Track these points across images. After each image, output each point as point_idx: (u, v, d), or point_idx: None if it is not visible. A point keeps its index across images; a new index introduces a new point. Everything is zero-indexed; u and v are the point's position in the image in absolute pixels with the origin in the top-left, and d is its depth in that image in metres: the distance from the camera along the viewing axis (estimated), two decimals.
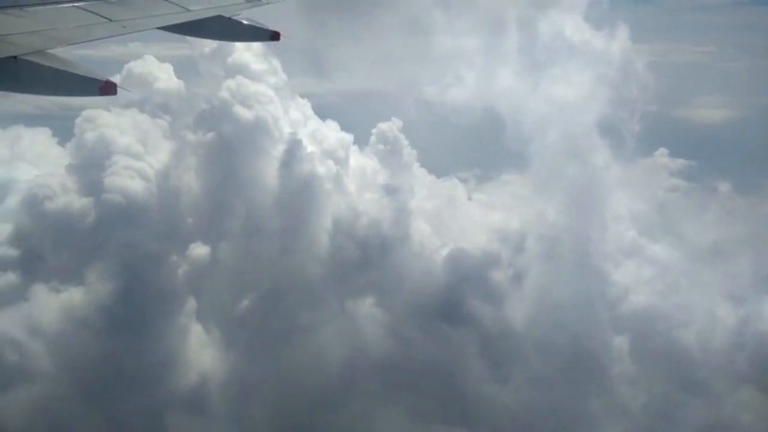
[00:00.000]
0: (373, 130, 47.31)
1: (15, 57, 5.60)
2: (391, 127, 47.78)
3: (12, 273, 31.70)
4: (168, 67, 45.16)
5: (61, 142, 48.28)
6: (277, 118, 42.78)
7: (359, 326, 36.63)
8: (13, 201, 36.22)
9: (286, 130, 42.74)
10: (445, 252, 37.76)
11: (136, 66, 43.91)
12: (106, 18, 6.92)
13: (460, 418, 34.08)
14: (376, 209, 39.75)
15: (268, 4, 9.57)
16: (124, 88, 5.95)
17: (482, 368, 33.19)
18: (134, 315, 31.22)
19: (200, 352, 32.95)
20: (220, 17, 8.31)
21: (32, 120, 48.10)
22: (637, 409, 31.92)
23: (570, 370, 32.66)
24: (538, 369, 32.62)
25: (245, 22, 8.70)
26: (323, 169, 41.13)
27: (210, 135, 40.57)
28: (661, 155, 55.25)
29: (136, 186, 35.66)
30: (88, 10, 6.96)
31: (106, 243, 33.19)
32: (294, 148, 40.77)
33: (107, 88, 5.81)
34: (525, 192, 51.54)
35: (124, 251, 32.85)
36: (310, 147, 41.71)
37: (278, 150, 40.89)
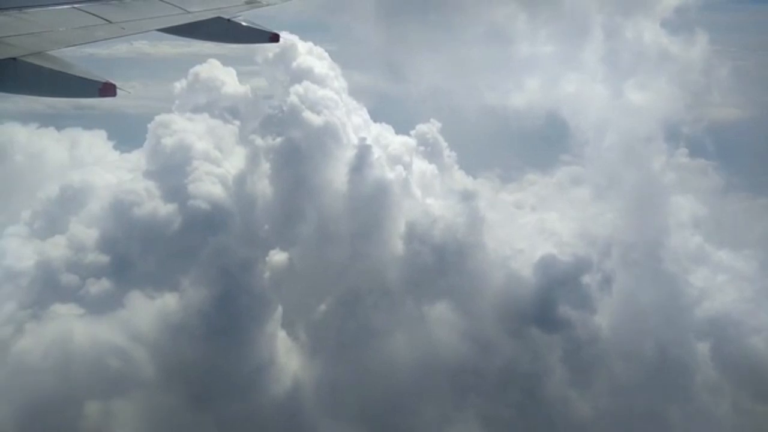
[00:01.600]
0: (412, 132, 47.52)
1: (14, 59, 5.57)
2: (430, 128, 48.07)
3: (106, 280, 31.77)
4: (231, 71, 45.29)
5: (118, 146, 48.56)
6: (344, 124, 43.01)
7: (434, 330, 36.97)
8: (94, 206, 36.30)
9: (353, 134, 43.01)
10: (519, 255, 38.13)
11: (202, 70, 44.05)
12: (105, 20, 6.89)
13: (537, 423, 34.50)
14: (447, 212, 40.04)
15: (267, 6, 9.60)
16: (123, 89, 5.91)
17: (562, 374, 33.54)
18: (225, 321, 31.51)
19: (287, 357, 33.24)
20: (219, 19, 8.31)
21: (44, 119, 47.84)
22: (717, 417, 32.33)
23: (650, 375, 33.04)
24: (618, 375, 32.99)
25: (244, 23, 8.69)
26: (393, 174, 41.37)
27: (279, 140, 40.71)
28: (682, 155, 55.39)
29: (218, 192, 35.82)
30: (87, 12, 6.92)
31: (195, 249, 33.40)
32: (364, 153, 40.97)
33: (106, 90, 5.76)
34: (557, 193, 52.01)
35: (212, 258, 33.10)
36: (377, 151, 41.98)
37: (348, 155, 41.09)
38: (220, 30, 8.42)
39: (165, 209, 34.44)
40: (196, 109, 42.05)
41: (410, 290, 37.19)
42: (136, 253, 33.23)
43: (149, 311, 30.98)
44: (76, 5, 6.99)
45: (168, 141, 37.88)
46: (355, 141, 41.74)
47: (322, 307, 36.28)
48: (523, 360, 34.23)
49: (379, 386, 35.08)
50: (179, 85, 44.06)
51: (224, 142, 39.51)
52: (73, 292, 31.51)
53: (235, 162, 39.01)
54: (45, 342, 29.16)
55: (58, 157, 46.48)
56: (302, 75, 43.81)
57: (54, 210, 38.09)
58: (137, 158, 45.38)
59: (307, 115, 41.39)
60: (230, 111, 42.38)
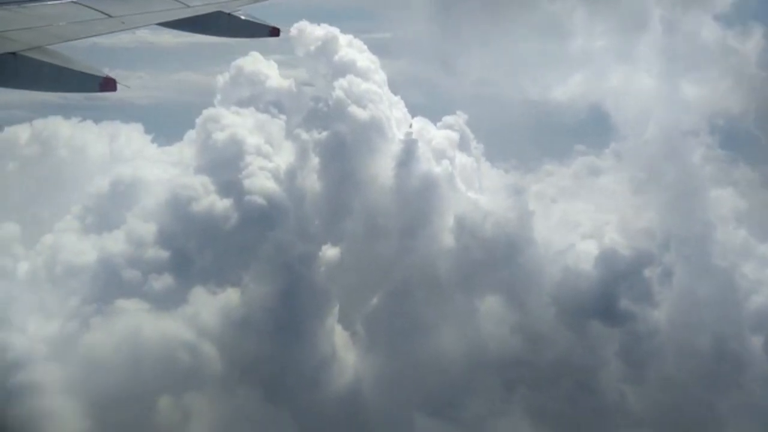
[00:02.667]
0: (438, 123, 47.49)
1: (14, 53, 5.53)
2: (456, 120, 48.08)
3: (167, 275, 32.02)
4: (273, 65, 45.29)
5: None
6: (389, 118, 43.08)
7: (485, 323, 37.28)
8: (148, 201, 36.47)
9: (396, 129, 43.10)
10: (570, 248, 38.36)
11: (245, 63, 44.06)
12: (105, 14, 6.88)
13: (589, 417, 34.83)
14: (493, 205, 40.23)
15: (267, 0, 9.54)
16: (123, 84, 5.87)
17: (617, 367, 33.87)
18: (286, 316, 31.85)
19: (344, 351, 33.60)
20: (219, 13, 8.31)
21: (54, 110, 47.65)
22: None
23: (704, 369, 33.35)
24: (673, 368, 33.30)
25: (244, 18, 8.67)
26: (439, 168, 41.50)
27: (325, 134, 40.79)
28: (725, 149, 55.34)
29: (272, 187, 35.97)
30: (87, 6, 6.89)
31: (253, 245, 33.64)
32: (411, 147, 41.06)
33: (107, 85, 5.75)
34: (594, 185, 52.17)
35: (271, 253, 33.37)
36: (422, 145, 42.07)
37: (395, 150, 41.20)
38: (221, 24, 8.41)
39: (221, 204, 34.63)
40: (241, 103, 42.14)
41: (461, 284, 37.49)
42: (195, 249, 33.47)
43: (213, 307, 31.26)
44: None
45: (219, 136, 37.99)
46: (400, 135, 41.89)
47: (374, 301, 36.60)
48: (577, 353, 34.58)
49: (431, 379, 35.48)
50: (222, 79, 44.14)
51: (273, 136, 39.63)
52: (136, 287, 31.76)
53: (284, 156, 39.16)
54: (114, 337, 29.48)
55: (100, 151, 46.54)
56: (345, 68, 43.79)
57: (105, 205, 38.26)
58: (179, 152, 45.64)
59: (353, 109, 41.46)
60: (276, 105, 42.48)
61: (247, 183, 35.45)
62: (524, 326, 36.39)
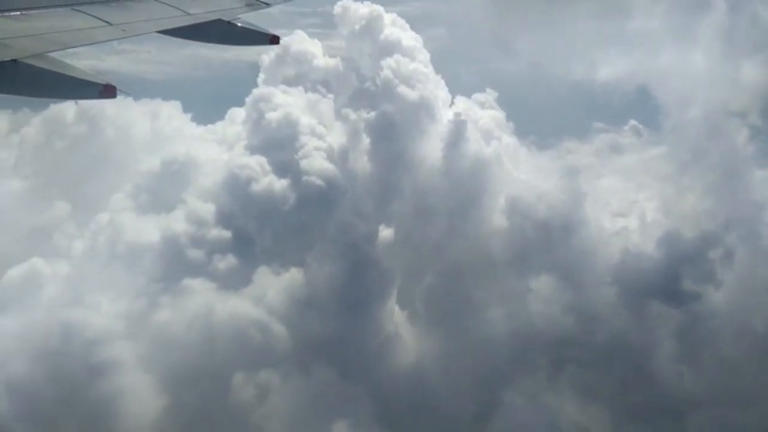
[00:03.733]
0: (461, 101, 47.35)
1: (15, 60, 5.59)
2: (487, 98, 48.08)
3: (231, 255, 32.49)
4: (317, 43, 45.20)
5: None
6: (436, 97, 43.13)
7: (538, 303, 37.79)
8: (205, 181, 36.80)
9: (444, 108, 43.21)
10: (616, 227, 38.77)
11: (292, 42, 43.99)
12: (105, 22, 6.92)
13: (641, 395, 35.41)
14: (544, 185, 40.48)
15: (267, 7, 9.61)
16: (123, 91, 5.88)
17: (672, 347, 34.40)
18: (349, 296, 32.33)
19: (403, 329, 34.18)
20: (219, 21, 8.34)
21: None
22: None
23: (760, 351, 33.79)
24: (729, 350, 33.77)
25: (244, 26, 8.68)
26: (488, 148, 41.68)
27: (373, 114, 40.89)
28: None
29: (329, 168, 36.24)
30: (88, 14, 6.93)
31: (313, 225, 34.03)
32: (460, 127, 41.17)
33: (107, 92, 5.76)
34: (639, 165, 52.39)
35: (330, 233, 33.78)
36: (471, 126, 42.17)
37: (443, 130, 41.34)
38: (221, 32, 8.42)
39: (279, 185, 34.94)
40: (288, 82, 42.22)
41: (513, 264, 37.92)
42: (256, 229, 33.89)
43: (278, 287, 31.77)
44: (76, 7, 6.97)
45: (272, 115, 38.13)
46: (447, 115, 42.01)
47: (428, 281, 37.09)
48: (631, 333, 35.09)
49: (483, 357, 36.08)
50: (267, 58, 44.08)
51: (324, 116, 39.77)
52: (201, 267, 32.27)
53: (335, 137, 39.34)
54: (184, 315, 30.07)
55: (143, 129, 46.77)
56: (391, 47, 43.74)
57: (158, 184, 38.60)
58: (222, 130, 45.87)
59: (402, 89, 41.48)
60: (323, 84, 42.54)
61: (304, 164, 35.73)
62: (577, 306, 36.90)
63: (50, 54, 5.90)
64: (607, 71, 45.87)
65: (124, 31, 6.98)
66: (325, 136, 38.47)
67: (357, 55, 45.09)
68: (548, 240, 38.11)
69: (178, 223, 34.32)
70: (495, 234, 38.58)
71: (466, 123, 41.52)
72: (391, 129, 40.16)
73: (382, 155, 39.48)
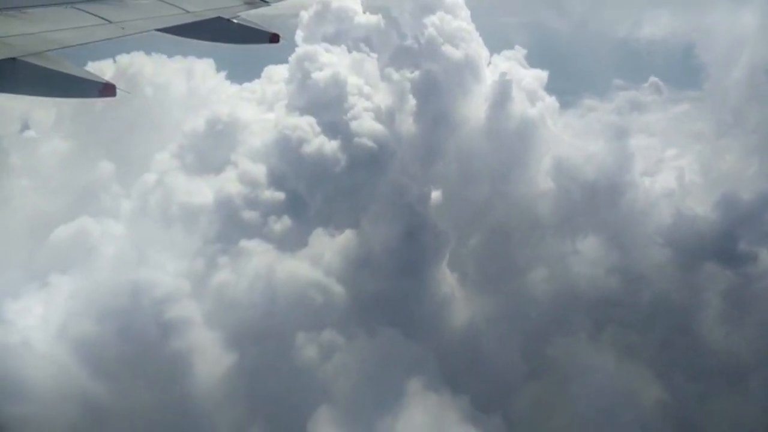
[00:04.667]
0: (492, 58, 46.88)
1: (14, 58, 5.61)
2: (515, 54, 47.54)
3: (286, 217, 32.88)
4: (356, 0, 44.46)
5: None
6: (481, 57, 42.71)
7: (582, 264, 38.33)
8: (254, 141, 36.90)
9: (487, 67, 42.81)
10: (661, 187, 38.94)
11: None
12: (105, 19, 6.94)
13: (682, 356, 36.20)
14: (589, 146, 40.52)
15: (266, 5, 9.58)
16: (123, 89, 5.91)
17: (719, 309, 35.00)
18: (403, 257, 32.86)
19: (454, 290, 34.86)
20: (218, 19, 8.32)
21: None
22: None
23: None
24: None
25: (244, 23, 8.65)
26: (533, 108, 41.51)
27: (417, 73, 40.58)
28: None
29: (379, 129, 36.23)
30: (87, 12, 6.93)
31: (365, 187, 34.30)
32: (505, 87, 40.93)
33: (106, 90, 5.79)
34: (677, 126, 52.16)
35: (384, 195, 34.02)
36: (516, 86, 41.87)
37: (488, 90, 41.11)
38: (220, 30, 8.38)
39: (330, 146, 35.02)
40: (329, 40, 41.73)
41: (558, 225, 38.32)
42: (309, 191, 34.16)
43: (334, 248, 32.28)
44: (75, 5, 6.95)
45: (319, 75, 37.87)
46: (494, 75, 41.65)
47: (476, 242, 37.60)
48: (677, 294, 35.70)
49: (531, 317, 36.83)
50: (306, 15, 43.47)
51: (370, 75, 39.49)
52: (257, 228, 32.70)
53: (381, 96, 39.15)
54: (245, 276, 30.69)
55: (180, 88, 46.50)
56: (433, 4, 43.07)
57: (205, 144, 38.68)
58: (260, 89, 45.60)
59: (447, 48, 41.04)
60: (365, 42, 42.06)
61: (354, 125, 35.71)
62: (621, 267, 37.44)
63: (49, 52, 5.89)
64: (651, 30, 45.16)
65: (123, 29, 6.96)
66: (372, 96, 38.30)
67: (398, 11, 44.49)
68: (594, 201, 38.39)
69: (230, 183, 34.60)
70: (541, 195, 38.88)
71: (511, 82, 41.24)
72: (436, 88, 39.95)
73: (427, 116, 39.39)
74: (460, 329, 32.62)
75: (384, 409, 25.39)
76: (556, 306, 36.83)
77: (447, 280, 34.62)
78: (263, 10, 9.70)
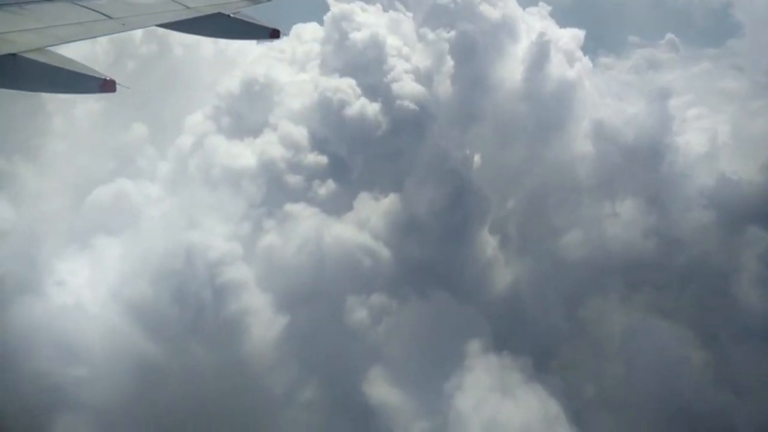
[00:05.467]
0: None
1: (14, 54, 5.65)
2: (539, 11, 46.92)
3: (330, 181, 33.01)
4: None
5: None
6: (519, 16, 42.13)
7: (620, 227, 38.62)
8: (293, 103, 36.70)
9: (525, 28, 42.27)
10: (695, 149, 38.93)
11: None
12: (105, 15, 6.99)
13: (715, 317, 36.73)
14: (630, 107, 40.35)
15: (268, 1, 9.54)
16: (123, 85, 5.98)
17: (750, 275, 35.35)
18: (446, 221, 33.13)
19: (494, 253, 35.25)
20: (219, 15, 8.33)
21: None
22: None
23: None
24: None
25: (245, 19, 8.66)
26: (571, 70, 41.18)
27: (453, 33, 40.12)
28: None
29: (420, 91, 36.03)
30: (87, 8, 6.97)
31: (409, 150, 34.31)
32: (544, 48, 40.53)
33: (106, 86, 5.88)
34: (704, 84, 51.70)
35: (427, 158, 34.08)
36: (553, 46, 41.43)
37: (526, 51, 40.68)
38: (221, 26, 8.41)
39: (372, 108, 34.88)
40: None
41: (598, 188, 38.46)
42: (352, 154, 34.22)
43: (379, 212, 32.52)
44: (75, 1, 6.99)
45: (357, 36, 37.45)
46: (532, 36, 41.18)
47: (513, 205, 37.83)
48: (716, 256, 35.99)
49: (565, 280, 37.31)
50: None
51: (407, 36, 39.10)
52: (302, 192, 32.86)
53: (419, 58, 38.82)
54: (293, 239, 31.01)
55: (208, 48, 45.93)
56: None
57: (241, 106, 38.50)
58: (290, 49, 45.07)
59: (484, 7, 40.46)
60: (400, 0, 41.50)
61: (395, 87, 35.49)
62: (659, 229, 37.70)
63: (50, 48, 5.92)
64: None
65: (123, 24, 7.01)
66: (410, 57, 37.95)
67: None
68: (632, 163, 38.45)
69: (272, 146, 34.60)
70: (580, 158, 38.91)
71: (549, 43, 40.81)
72: (474, 49, 39.57)
73: (465, 77, 39.14)
74: (506, 292, 33.12)
75: (444, 370, 26.06)
76: (594, 268, 37.24)
77: (489, 243, 34.98)
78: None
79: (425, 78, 37.62)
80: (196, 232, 30.01)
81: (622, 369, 29.59)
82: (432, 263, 31.67)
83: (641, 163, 38.35)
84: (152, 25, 7.58)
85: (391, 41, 37.82)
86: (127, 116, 42.69)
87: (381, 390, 26.39)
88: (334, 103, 34.97)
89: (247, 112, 37.98)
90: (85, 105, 43.98)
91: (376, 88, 35.75)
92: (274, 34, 8.73)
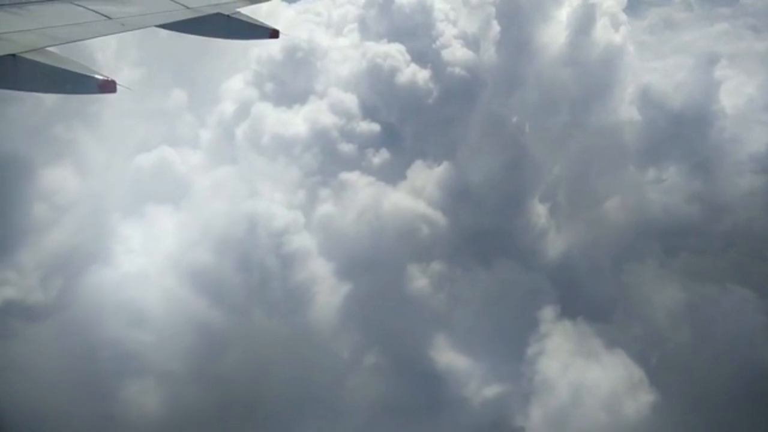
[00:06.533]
0: None
1: (14, 55, 5.68)
2: None
3: (384, 149, 33.33)
4: None
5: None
6: None
7: (663, 193, 39.23)
8: (342, 70, 36.69)
9: None
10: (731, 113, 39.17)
11: None
12: (104, 16, 7.00)
13: (756, 282, 37.57)
14: (676, 73, 40.40)
15: (267, 0, 9.69)
16: (124, 86, 5.96)
17: None
18: (499, 189, 33.61)
19: (547, 221, 35.81)
20: (219, 15, 8.39)
21: None
22: None
23: None
24: None
25: (244, 19, 8.70)
26: (617, 34, 41.11)
27: None
28: None
29: (469, 57, 36.05)
30: (86, 8, 6.99)
31: (461, 117, 34.55)
32: (590, 11, 40.37)
33: (106, 86, 5.85)
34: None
35: (477, 125, 34.36)
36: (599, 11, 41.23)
37: (570, 14, 40.54)
38: (221, 26, 8.41)
39: (422, 75, 34.99)
40: None
41: (644, 153, 38.88)
42: (404, 121, 34.45)
43: (433, 180, 32.97)
44: (75, 1, 7.00)
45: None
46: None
47: (563, 172, 38.23)
48: (760, 222, 36.62)
49: (606, 243, 37.98)
50: None
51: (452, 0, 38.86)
52: (356, 161, 33.20)
53: (465, 23, 38.70)
54: (351, 208, 31.53)
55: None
56: None
57: (283, 71, 38.43)
58: (325, 11, 44.72)
59: None
60: None
61: (445, 54, 35.50)
62: (703, 196, 38.28)
63: (49, 48, 5.97)
64: None
65: (123, 25, 7.03)
66: (457, 22, 37.85)
67: None
68: (678, 129, 38.79)
69: (322, 114, 34.77)
70: (626, 124, 39.25)
71: (595, 6, 40.66)
72: (520, 14, 39.42)
73: (512, 43, 39.06)
74: (564, 258, 33.61)
75: (518, 336, 26.93)
76: (640, 233, 37.97)
77: (540, 209, 35.59)
78: None
79: (473, 44, 37.60)
80: (256, 200, 30.44)
81: (688, 334, 30.10)
82: (488, 230, 32.29)
83: (687, 129, 38.71)
84: (152, 26, 7.52)
85: (439, 5, 37.64)
86: (166, 82, 42.62)
87: (447, 355, 27.31)
88: (385, 70, 35.02)
89: (291, 79, 37.98)
90: (124, 73, 43.85)
91: (425, 54, 35.75)
92: (274, 34, 8.78)
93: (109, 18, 6.98)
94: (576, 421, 23.44)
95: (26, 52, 5.74)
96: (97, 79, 5.80)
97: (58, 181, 28.35)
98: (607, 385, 24.31)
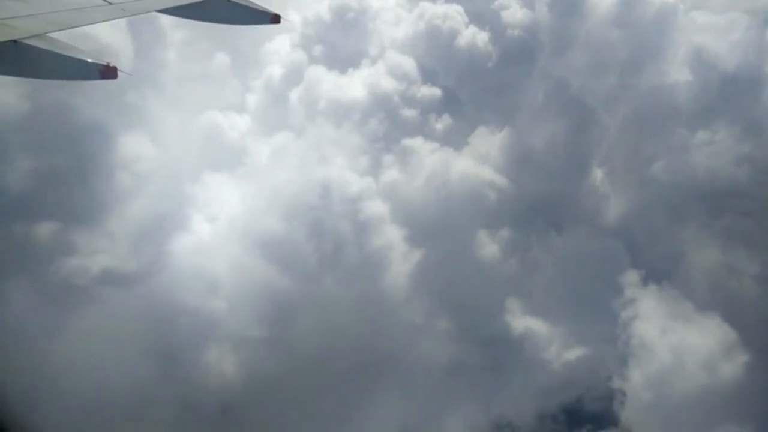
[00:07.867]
0: None
1: (15, 41, 5.73)
2: None
3: (446, 115, 33.52)
4: None
5: None
6: None
7: (712, 155, 39.81)
8: (397, 32, 36.48)
9: None
10: None
11: None
12: (105, 1, 7.10)
13: None
14: (731, 32, 40.38)
15: None
16: (124, 71, 6.02)
17: None
18: (560, 154, 34.10)
19: (604, 186, 36.31)
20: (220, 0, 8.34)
21: None
22: None
23: None
24: None
25: (245, 4, 8.72)
26: None
27: None
28: None
29: (529, 18, 35.98)
30: None
31: (521, 81, 34.69)
32: None
33: (108, 72, 5.90)
34: None
35: (539, 89, 34.56)
36: None
37: None
38: (221, 11, 8.47)
39: (481, 37, 34.96)
40: None
41: (694, 115, 39.25)
42: (464, 86, 34.53)
43: (497, 146, 33.35)
44: None
45: None
46: None
47: (617, 135, 38.56)
48: None
49: (654, 204, 38.53)
50: None
51: None
52: (418, 126, 33.43)
53: None
54: (417, 175, 31.94)
55: None
56: None
57: (333, 34, 38.16)
58: None
59: None
60: None
61: (504, 15, 35.41)
62: (752, 158, 38.85)
63: (50, 34, 6.01)
64: None
65: (124, 10, 7.07)
66: None
67: None
68: (730, 91, 39.13)
69: (380, 78, 34.80)
70: (678, 85, 39.52)
71: None
72: None
73: (565, 2, 38.94)
74: (628, 222, 34.06)
75: (601, 301, 27.81)
76: (690, 196, 38.61)
77: (598, 174, 36.14)
78: None
79: (530, 3, 37.49)
80: (326, 167, 30.73)
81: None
82: (553, 195, 32.88)
83: (739, 91, 39.07)
84: (153, 11, 7.60)
85: None
86: (209, 46, 42.08)
87: (523, 320, 28.24)
88: (444, 33, 34.95)
89: (341, 41, 37.77)
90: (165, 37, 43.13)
91: (483, 14, 35.65)
92: (275, 19, 8.74)
93: (110, 3, 7.04)
94: (678, 383, 24.57)
95: (28, 37, 5.77)
96: (99, 65, 5.86)
97: (135, 149, 28.50)
98: (705, 346, 25.36)
